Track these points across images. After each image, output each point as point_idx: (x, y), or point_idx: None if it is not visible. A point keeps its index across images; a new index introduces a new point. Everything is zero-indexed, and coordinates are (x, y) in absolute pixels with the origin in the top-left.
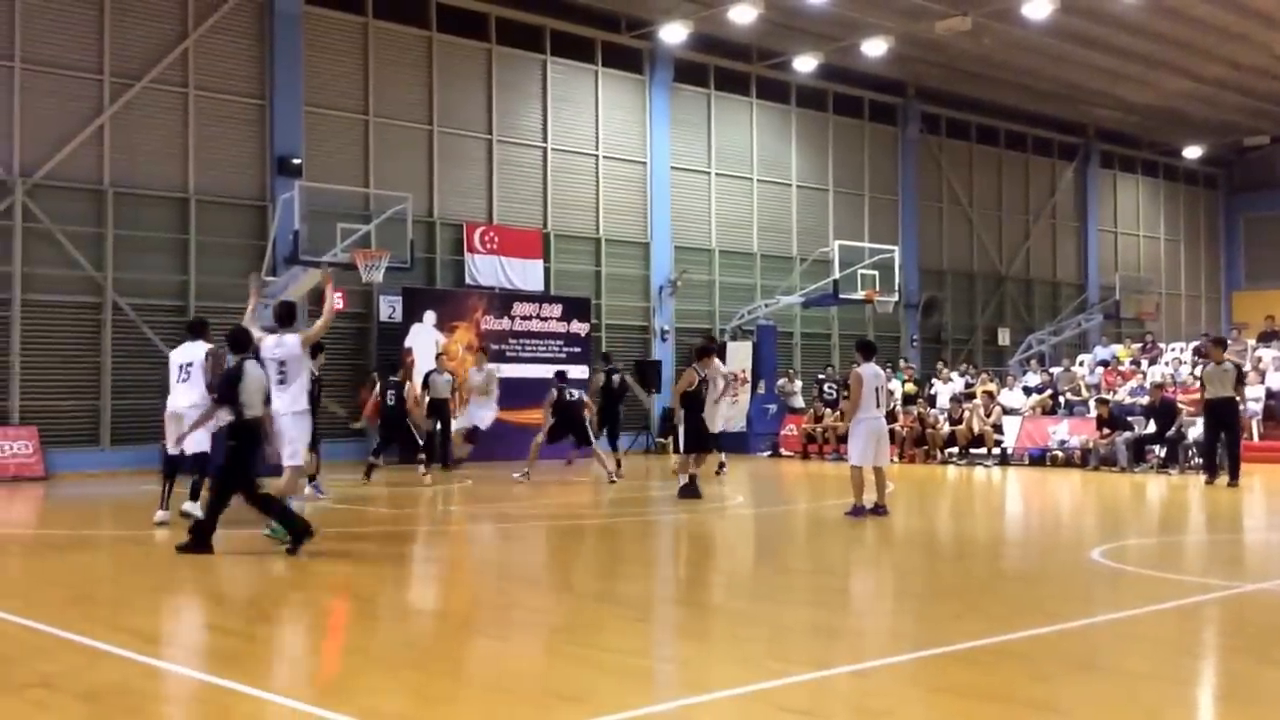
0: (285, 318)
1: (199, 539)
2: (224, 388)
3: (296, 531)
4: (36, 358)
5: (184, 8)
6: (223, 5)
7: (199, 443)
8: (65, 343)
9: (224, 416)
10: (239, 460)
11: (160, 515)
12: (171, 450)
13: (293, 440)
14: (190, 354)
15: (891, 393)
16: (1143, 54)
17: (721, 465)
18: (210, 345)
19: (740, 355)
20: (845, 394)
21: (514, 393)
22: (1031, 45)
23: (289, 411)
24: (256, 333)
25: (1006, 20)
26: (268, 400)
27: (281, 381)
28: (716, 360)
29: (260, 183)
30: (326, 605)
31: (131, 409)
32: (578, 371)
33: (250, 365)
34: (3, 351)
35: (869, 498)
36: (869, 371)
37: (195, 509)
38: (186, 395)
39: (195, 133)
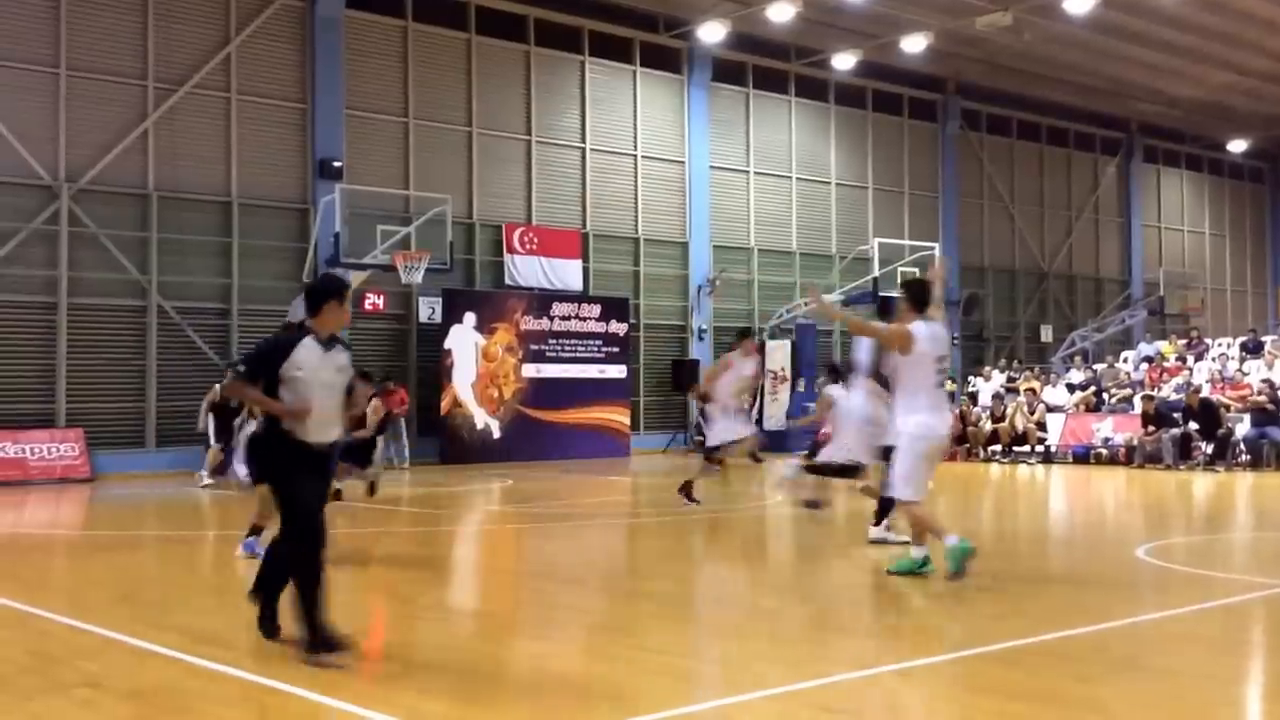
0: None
1: None
2: None
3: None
4: (82, 360)
5: (226, 14)
6: (264, 10)
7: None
8: (110, 345)
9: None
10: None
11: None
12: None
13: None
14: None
15: None
16: (1186, 47)
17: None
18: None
19: (779, 354)
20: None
21: (553, 393)
22: (1073, 40)
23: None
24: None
25: (1047, 15)
26: None
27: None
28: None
29: (302, 186)
30: (369, 606)
31: (176, 411)
32: (616, 371)
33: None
34: (49, 354)
35: None
36: None
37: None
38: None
39: (237, 137)
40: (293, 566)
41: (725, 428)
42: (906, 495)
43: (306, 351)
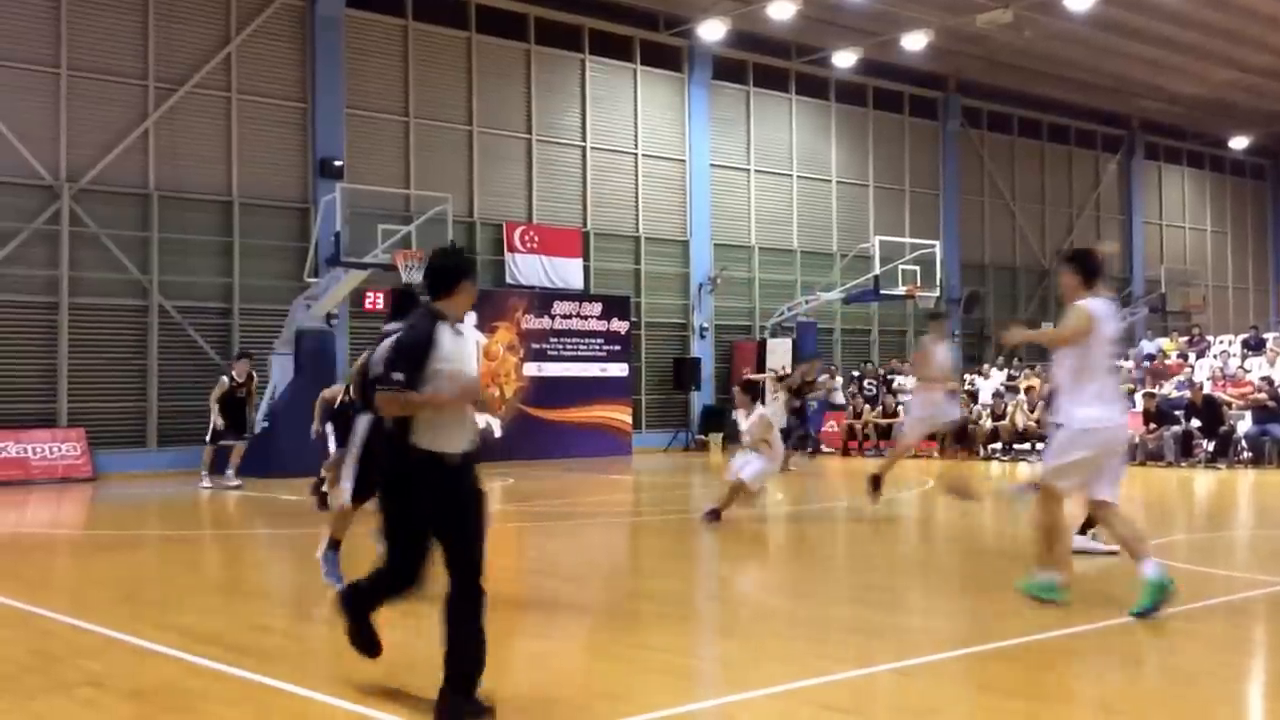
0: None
1: None
2: None
3: None
4: (84, 360)
5: (226, 13)
6: (264, 10)
7: None
8: (112, 345)
9: None
10: None
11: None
12: None
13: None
14: None
15: None
16: (1188, 44)
17: None
18: None
19: (780, 352)
20: (886, 390)
21: (554, 391)
22: (1074, 37)
23: None
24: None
25: (1048, 12)
26: None
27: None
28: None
29: (302, 185)
30: None
31: (177, 410)
32: (617, 369)
33: None
34: (51, 354)
35: None
36: None
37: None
38: None
39: (238, 136)
40: (378, 576)
41: (921, 419)
42: (1046, 477)
43: (449, 340)
